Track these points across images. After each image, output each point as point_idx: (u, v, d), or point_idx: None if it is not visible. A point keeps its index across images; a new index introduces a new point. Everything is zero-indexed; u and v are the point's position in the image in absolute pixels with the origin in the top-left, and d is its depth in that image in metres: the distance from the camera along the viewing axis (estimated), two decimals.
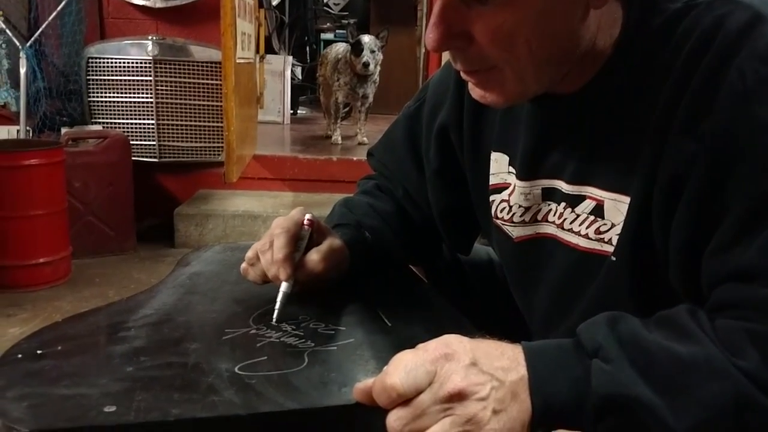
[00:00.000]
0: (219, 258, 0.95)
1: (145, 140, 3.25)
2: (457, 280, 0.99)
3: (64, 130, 3.06)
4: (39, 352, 0.61)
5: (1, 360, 0.59)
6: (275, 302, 0.72)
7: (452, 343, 0.53)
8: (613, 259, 0.66)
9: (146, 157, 3.26)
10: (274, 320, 0.71)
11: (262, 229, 2.93)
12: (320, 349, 0.65)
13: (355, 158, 3.36)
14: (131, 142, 3.10)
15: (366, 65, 3.62)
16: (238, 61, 2.71)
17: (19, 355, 0.60)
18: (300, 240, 0.77)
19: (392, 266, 0.92)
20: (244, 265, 0.78)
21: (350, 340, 0.67)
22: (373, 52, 3.65)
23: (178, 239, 3.06)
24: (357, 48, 3.64)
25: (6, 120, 3.16)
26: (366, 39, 3.66)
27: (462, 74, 0.65)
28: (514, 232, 0.77)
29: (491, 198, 0.80)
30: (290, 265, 0.74)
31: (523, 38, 0.58)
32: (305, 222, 0.78)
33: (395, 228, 0.91)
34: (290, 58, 4.88)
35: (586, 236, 0.68)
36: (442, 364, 0.51)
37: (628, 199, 0.64)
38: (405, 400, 0.50)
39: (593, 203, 0.67)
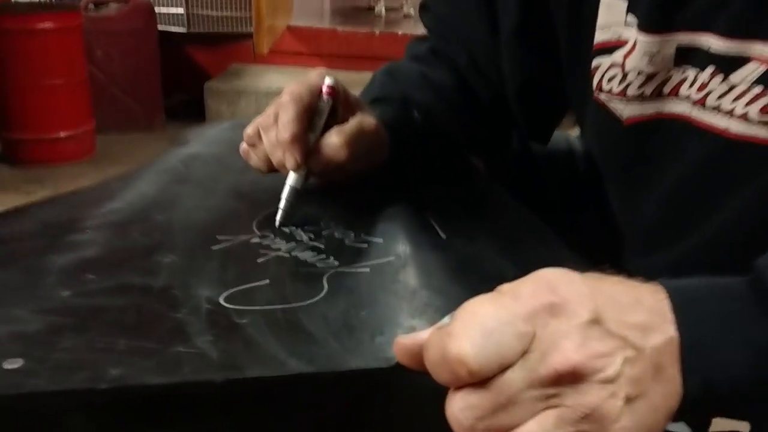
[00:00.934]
0: (226, 137, 0.75)
1: (172, 7, 3.03)
2: (528, 178, 0.77)
3: None
4: None
5: None
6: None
7: (559, 284, 0.32)
8: None
9: (174, 26, 3.05)
10: (276, 224, 0.52)
11: None
12: (346, 271, 0.45)
13: (400, 32, 3.14)
14: (157, 10, 2.91)
15: None
16: None
17: None
18: (317, 115, 0.55)
19: (448, 157, 0.71)
20: (243, 145, 0.59)
21: (389, 258, 0.48)
22: None
23: (209, 117, 2.91)
24: None
25: None
26: None
27: None
28: (626, 110, 0.55)
29: (595, 62, 0.57)
30: (300, 149, 0.53)
31: None
32: (325, 89, 0.56)
33: (454, 105, 0.70)
34: None
35: (744, 117, 0.48)
36: (544, 322, 0.30)
37: None
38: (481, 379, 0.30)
39: (762, 68, 0.47)
